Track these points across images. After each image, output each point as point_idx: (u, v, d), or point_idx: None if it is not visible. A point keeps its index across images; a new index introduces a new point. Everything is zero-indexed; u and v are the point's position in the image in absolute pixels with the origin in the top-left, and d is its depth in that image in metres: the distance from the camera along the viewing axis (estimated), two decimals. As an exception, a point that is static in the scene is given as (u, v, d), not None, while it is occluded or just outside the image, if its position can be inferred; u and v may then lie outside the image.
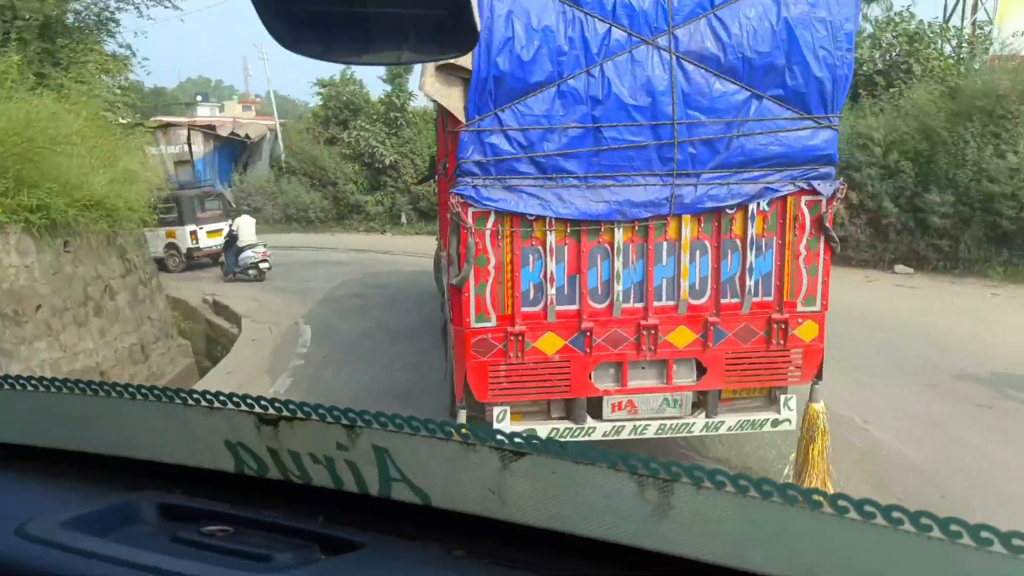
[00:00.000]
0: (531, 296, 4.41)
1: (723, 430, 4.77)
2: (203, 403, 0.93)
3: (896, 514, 0.64)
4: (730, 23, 4.24)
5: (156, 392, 0.97)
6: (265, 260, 13.81)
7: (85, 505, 0.90)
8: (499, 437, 0.79)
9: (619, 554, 0.74)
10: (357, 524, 0.86)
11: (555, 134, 4.24)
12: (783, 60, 4.27)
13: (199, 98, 34.23)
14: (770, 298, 4.58)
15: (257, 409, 0.90)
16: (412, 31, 0.94)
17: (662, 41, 4.25)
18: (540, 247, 4.36)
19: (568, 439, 4.37)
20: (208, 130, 22.74)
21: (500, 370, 4.43)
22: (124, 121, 9.77)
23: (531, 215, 4.28)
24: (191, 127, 23.06)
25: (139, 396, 0.98)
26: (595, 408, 4.66)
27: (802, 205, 4.50)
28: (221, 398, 0.92)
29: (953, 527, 0.61)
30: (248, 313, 11.15)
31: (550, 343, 4.45)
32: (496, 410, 4.51)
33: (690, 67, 4.27)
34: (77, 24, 11.05)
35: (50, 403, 1.04)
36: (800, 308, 4.59)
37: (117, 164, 7.07)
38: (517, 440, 0.78)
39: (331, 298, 12.16)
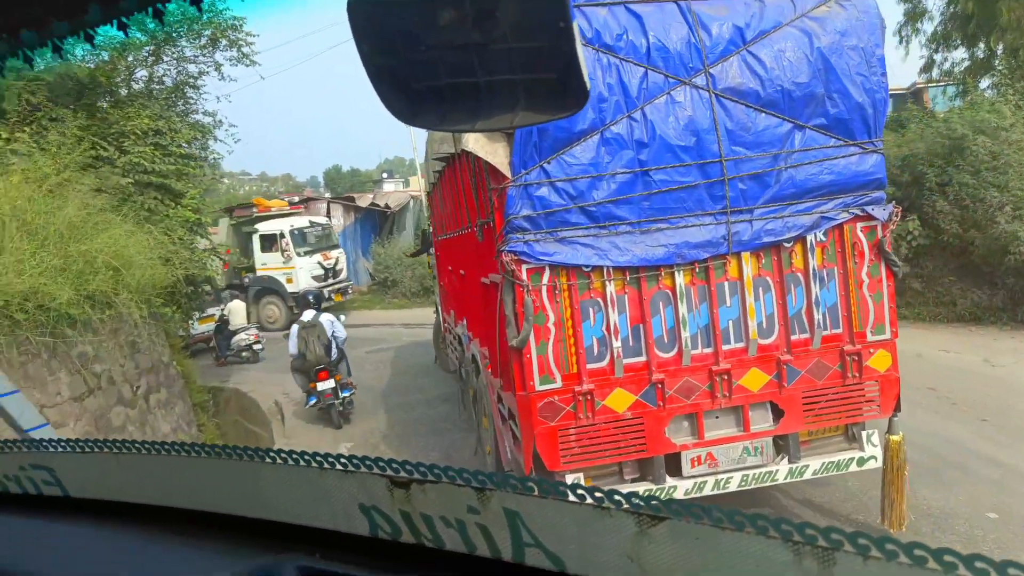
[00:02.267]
0: (595, 351, 4.17)
1: (808, 475, 4.48)
2: (338, 467, 0.93)
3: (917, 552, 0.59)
4: (764, 57, 4.22)
5: (294, 456, 0.97)
6: (258, 342, 13.77)
7: (229, 567, 0.93)
8: (635, 501, 0.75)
9: None
10: None
11: (604, 181, 4.11)
12: (822, 89, 4.23)
13: (385, 175, 34.65)
14: (839, 330, 4.39)
15: (389, 472, 0.89)
16: (523, 95, 0.94)
17: (699, 80, 4.20)
18: (600, 299, 4.16)
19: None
20: (348, 202, 22.66)
21: (570, 434, 4.14)
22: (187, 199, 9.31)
23: (587, 266, 4.10)
24: (331, 201, 23.19)
25: (278, 460, 0.99)
26: (672, 465, 4.35)
27: (859, 232, 4.38)
28: (355, 462, 0.92)
29: None
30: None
31: (621, 400, 4.18)
32: (568, 478, 4.19)
33: (730, 103, 4.22)
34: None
35: (191, 466, 1.07)
36: (871, 338, 4.41)
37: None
38: (654, 503, 0.74)
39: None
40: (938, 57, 18.02)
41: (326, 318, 8.91)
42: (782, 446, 4.47)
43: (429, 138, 6.27)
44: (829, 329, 4.38)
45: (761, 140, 4.23)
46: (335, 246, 18.99)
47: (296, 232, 18.08)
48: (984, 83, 16.64)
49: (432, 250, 10.33)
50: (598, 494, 0.78)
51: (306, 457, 0.97)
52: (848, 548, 0.63)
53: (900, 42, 18.17)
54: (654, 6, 4.24)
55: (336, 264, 18.21)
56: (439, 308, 10.35)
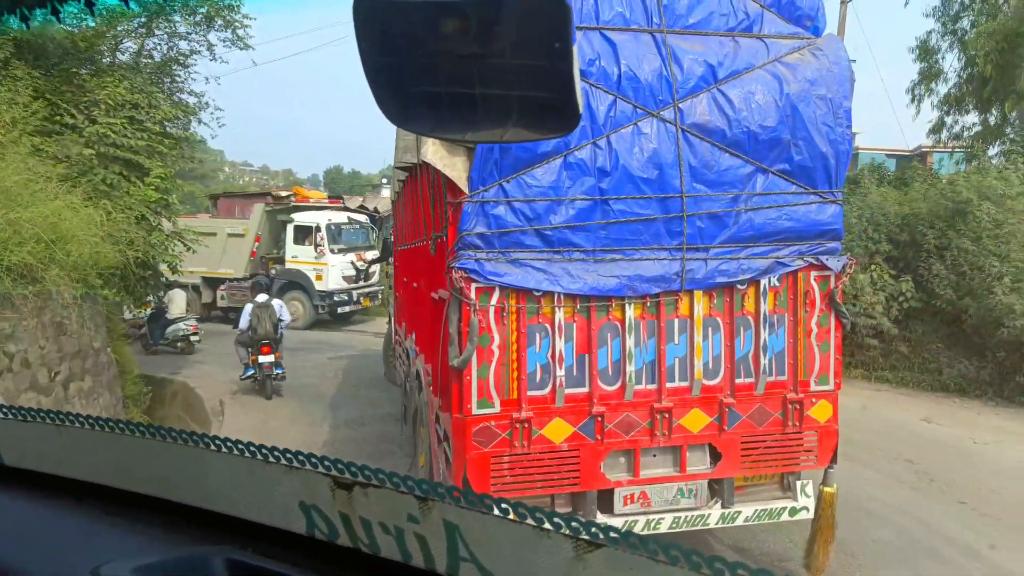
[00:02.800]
0: (538, 378, 4.07)
1: (740, 521, 4.43)
2: (283, 461, 0.92)
3: None
4: (734, 97, 4.19)
5: (240, 447, 0.96)
6: (196, 333, 13.39)
7: (160, 553, 0.94)
8: (574, 524, 0.74)
9: None
10: None
11: (562, 206, 4.02)
12: (788, 135, 4.22)
13: (384, 180, 33.94)
14: (784, 377, 4.37)
15: (334, 472, 0.88)
16: (516, 111, 0.95)
17: (667, 114, 4.15)
18: (548, 325, 4.05)
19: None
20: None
21: (503, 462, 4.01)
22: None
23: (538, 291, 4.00)
24: (395, 202, 22.34)
25: (224, 449, 0.98)
26: (605, 501, 4.26)
27: (812, 280, 4.37)
28: (300, 458, 0.91)
29: None
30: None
31: (558, 430, 4.08)
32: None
33: (696, 140, 4.17)
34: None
35: (135, 446, 1.06)
36: (814, 387, 4.39)
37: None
38: (593, 529, 0.73)
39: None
40: (948, 120, 17.83)
41: (276, 302, 10.39)
42: (716, 490, 4.41)
43: (395, 146, 6.12)
44: (774, 375, 4.35)
45: (723, 179, 4.20)
46: (371, 247, 17.46)
47: (333, 227, 16.95)
48: (993, 150, 16.45)
49: (391, 259, 10.15)
50: (538, 515, 0.76)
51: (252, 448, 0.95)
52: None
53: (912, 101, 18.00)
54: (630, 35, 4.18)
55: (369, 267, 16.65)
56: (391, 319, 10.16)
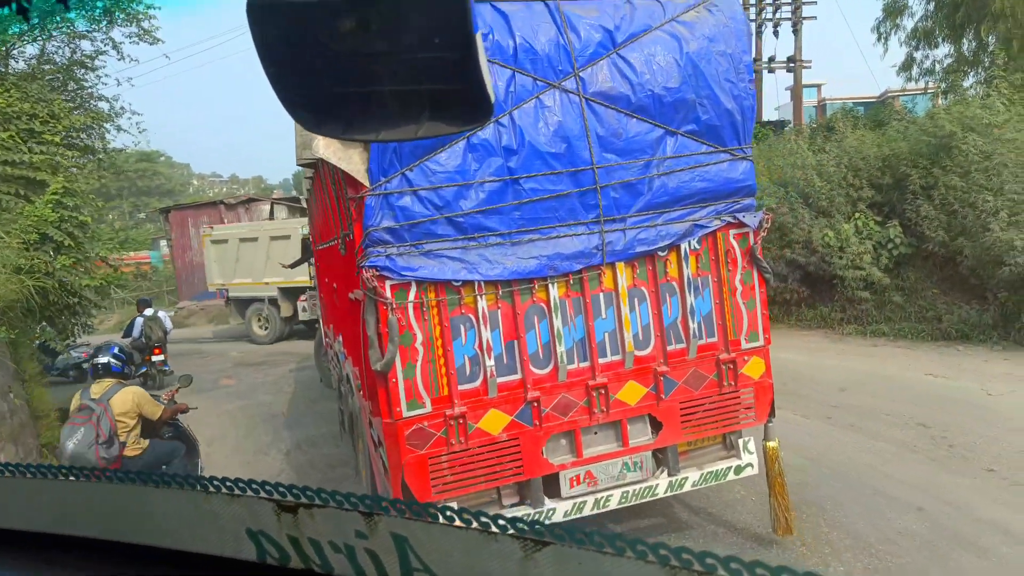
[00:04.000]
0: (468, 371, 3.92)
1: (688, 487, 4.41)
2: (223, 490, 0.91)
3: None
4: (635, 61, 4.10)
5: (178, 480, 0.95)
6: (88, 360, 13.00)
7: None
8: (520, 525, 0.75)
9: None
10: None
11: (471, 190, 3.86)
12: (693, 94, 4.16)
13: None
14: (714, 339, 4.35)
15: (276, 496, 0.88)
16: (428, 106, 0.95)
17: (569, 84, 4.03)
18: (471, 315, 3.90)
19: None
20: (293, 203, 20.70)
21: (442, 462, 3.86)
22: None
23: (457, 281, 3.84)
24: (274, 201, 21.20)
25: (161, 484, 0.96)
26: (551, 486, 4.17)
27: (731, 239, 4.35)
28: (241, 485, 0.91)
29: None
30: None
31: (495, 421, 3.95)
32: None
33: (601, 108, 4.07)
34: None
35: (73, 491, 1.04)
36: (745, 345, 4.39)
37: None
38: (538, 528, 0.74)
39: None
40: (918, 55, 16.86)
41: (162, 313, 13.00)
42: (661, 459, 4.38)
43: (295, 143, 5.83)
44: (705, 338, 4.32)
45: (632, 147, 4.11)
46: None
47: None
48: (968, 81, 15.53)
49: (312, 259, 9.79)
50: (484, 519, 0.77)
51: (191, 480, 0.95)
52: (721, 572, 0.65)
53: (879, 39, 17.04)
54: (521, 5, 4.03)
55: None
56: (320, 321, 9.83)
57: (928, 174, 10.75)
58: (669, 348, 4.25)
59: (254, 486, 0.91)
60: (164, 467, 5.50)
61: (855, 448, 6.41)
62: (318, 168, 5.65)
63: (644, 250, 4.14)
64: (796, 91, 20.42)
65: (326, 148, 3.61)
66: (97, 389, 5.29)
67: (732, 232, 4.35)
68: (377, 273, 3.70)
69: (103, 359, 5.47)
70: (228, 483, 0.92)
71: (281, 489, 0.89)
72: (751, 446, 4.52)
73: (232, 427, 9.37)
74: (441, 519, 0.80)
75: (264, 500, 0.88)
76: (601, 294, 4.14)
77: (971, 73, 15.92)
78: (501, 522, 0.76)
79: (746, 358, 4.40)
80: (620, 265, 4.13)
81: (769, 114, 22.57)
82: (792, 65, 19.80)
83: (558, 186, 3.98)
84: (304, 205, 18.96)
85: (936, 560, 4.42)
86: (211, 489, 0.92)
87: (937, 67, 16.87)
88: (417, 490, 3.80)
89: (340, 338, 6.35)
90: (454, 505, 3.81)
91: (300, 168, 6.01)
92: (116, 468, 4.42)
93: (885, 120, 13.41)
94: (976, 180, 9.94)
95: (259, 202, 22.73)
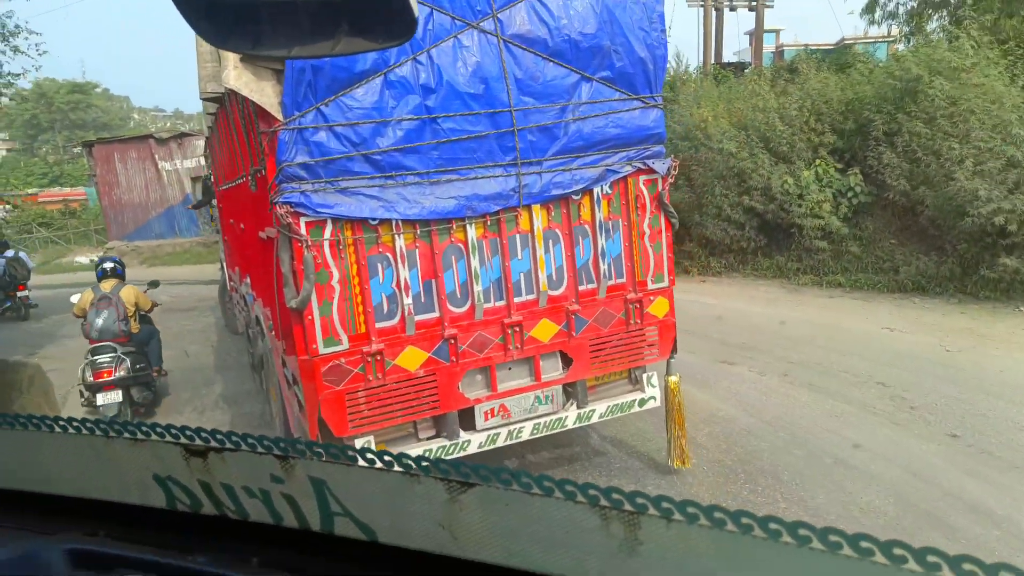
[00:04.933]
0: (385, 309, 3.97)
1: (595, 419, 4.67)
2: (126, 435, 0.87)
3: (897, 551, 0.59)
4: (552, 5, 4.14)
5: (75, 424, 0.90)
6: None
7: None
8: (443, 467, 0.74)
9: None
10: (296, 566, 0.80)
11: (389, 128, 3.84)
12: (608, 41, 4.25)
13: None
14: (623, 280, 4.56)
15: (183, 440, 0.84)
16: (346, 20, 0.89)
17: (487, 25, 4.03)
18: (389, 254, 3.93)
19: (443, 457, 3.99)
20: None
21: (359, 397, 3.93)
22: None
23: (374, 219, 3.84)
24: (209, 139, 19.23)
25: (57, 428, 0.91)
26: (466, 419, 4.32)
27: (641, 185, 4.53)
28: (144, 429, 0.87)
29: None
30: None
31: (412, 358, 4.03)
32: (358, 443, 3.99)
33: (519, 51, 4.10)
34: None
35: None
36: (651, 286, 4.63)
37: None
38: (464, 470, 0.73)
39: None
40: None
41: (23, 254, 14.40)
42: (571, 393, 4.61)
43: (198, 75, 5.55)
44: (614, 279, 4.53)
45: (550, 90, 4.18)
46: None
47: None
48: (932, 25, 14.92)
49: (215, 201, 9.42)
50: (406, 460, 0.75)
51: (88, 424, 0.89)
52: (652, 512, 0.65)
53: None
54: None
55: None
56: (223, 265, 9.53)
57: (892, 120, 10.38)
58: (581, 288, 4.44)
59: (159, 430, 0.87)
60: (150, 343, 7.31)
61: (814, 410, 6.14)
62: (224, 103, 5.42)
63: (559, 193, 4.26)
64: (757, 31, 20.28)
65: (237, 79, 3.49)
66: (107, 285, 7.03)
67: (642, 178, 4.53)
68: (292, 209, 3.66)
69: (109, 264, 7.21)
70: (131, 427, 0.88)
71: (189, 432, 0.85)
72: (654, 380, 4.82)
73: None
74: (361, 461, 0.78)
75: (171, 444, 0.84)
76: (517, 235, 4.25)
77: (935, 16, 15.33)
78: (425, 464, 0.75)
79: (652, 298, 4.64)
80: (536, 207, 4.24)
81: (728, 58, 22.62)
82: (754, 3, 19.74)
83: (476, 127, 4.02)
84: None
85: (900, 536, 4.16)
86: (111, 433, 0.88)
87: (901, 9, 16.32)
88: (334, 425, 3.86)
89: (248, 280, 6.22)
90: (373, 446, 3.94)
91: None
92: (125, 341, 6.81)
93: (850, 62, 12.86)
94: (941, 127, 9.55)
95: (193, 137, 21.50)
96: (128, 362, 6.65)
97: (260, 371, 6.21)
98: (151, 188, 22.25)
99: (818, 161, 11.12)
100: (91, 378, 6.54)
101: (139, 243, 22.18)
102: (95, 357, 6.60)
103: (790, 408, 6.27)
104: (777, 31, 33.11)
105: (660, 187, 4.57)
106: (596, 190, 4.38)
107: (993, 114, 9.29)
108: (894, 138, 10.31)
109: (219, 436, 0.83)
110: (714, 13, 19.99)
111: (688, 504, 0.63)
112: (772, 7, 19.90)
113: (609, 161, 4.41)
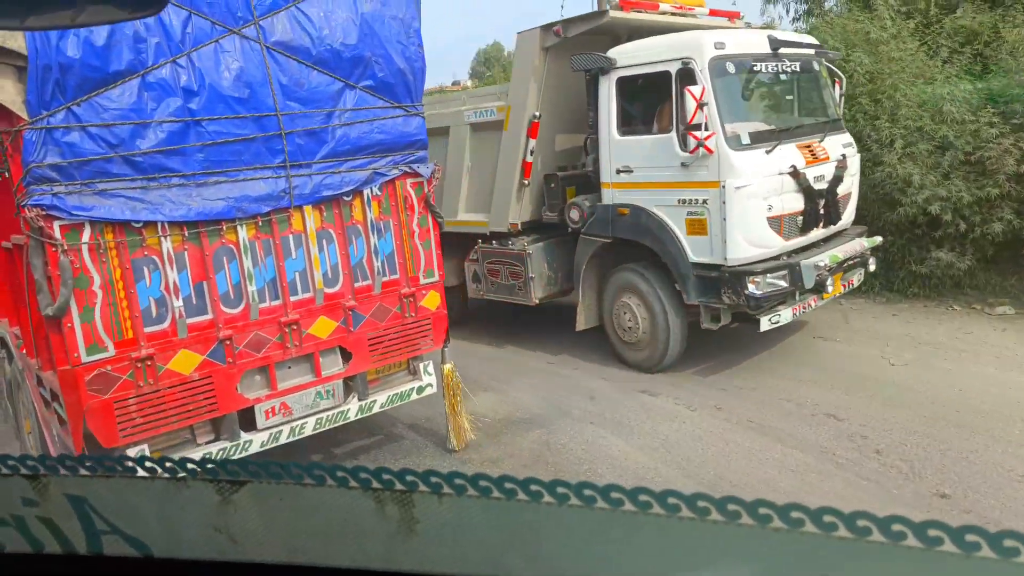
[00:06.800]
0: (154, 313, 3.89)
1: (376, 409, 4.93)
2: None
3: (643, 497, 0.59)
4: (313, 16, 4.37)
5: None
6: None
7: None
8: (210, 467, 0.70)
9: None
10: None
11: (149, 130, 3.80)
12: (368, 52, 4.58)
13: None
14: (396, 276, 4.89)
15: None
16: None
17: (249, 32, 4.16)
18: (156, 257, 3.87)
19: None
20: None
21: (129, 404, 3.81)
22: None
23: (137, 222, 3.77)
24: None
25: None
26: (247, 419, 4.35)
27: (408, 187, 4.91)
28: None
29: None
30: None
31: (186, 361, 4.00)
32: (132, 452, 3.87)
33: (283, 58, 4.28)
34: None
35: None
36: (423, 280, 5.02)
37: None
38: (231, 468, 0.70)
39: None
40: None
41: None
42: (352, 386, 4.83)
43: None
44: (388, 275, 4.84)
45: (315, 97, 4.40)
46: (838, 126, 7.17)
47: (739, 65, 6.12)
48: (830, 2, 13.95)
49: None
50: (169, 464, 0.71)
51: None
52: (423, 488, 0.64)
53: None
54: None
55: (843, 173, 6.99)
56: None
57: None
58: (357, 285, 4.69)
59: None
60: None
61: (761, 462, 4.76)
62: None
63: (330, 194, 4.49)
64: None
65: (-29, 73, 3.27)
66: None
67: (409, 181, 4.91)
68: (43, 212, 3.48)
69: None
70: None
71: None
72: (430, 369, 5.21)
73: None
74: (120, 470, 0.72)
75: None
76: (291, 236, 4.39)
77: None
78: (190, 466, 0.71)
79: (424, 292, 5.03)
80: (308, 208, 4.42)
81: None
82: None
83: (243, 130, 4.12)
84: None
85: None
86: None
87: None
88: (103, 436, 3.72)
89: None
90: (135, 452, 3.83)
91: None
92: None
93: None
94: (863, 107, 8.34)
95: None
96: None
97: (10, 397, 5.57)
98: None
99: None
100: None
101: None
102: None
103: (731, 460, 4.83)
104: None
105: (426, 189, 4.98)
106: (366, 192, 4.67)
107: (919, 88, 8.23)
108: None
109: None
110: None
111: (455, 476, 0.62)
112: None
113: (377, 165, 4.73)
